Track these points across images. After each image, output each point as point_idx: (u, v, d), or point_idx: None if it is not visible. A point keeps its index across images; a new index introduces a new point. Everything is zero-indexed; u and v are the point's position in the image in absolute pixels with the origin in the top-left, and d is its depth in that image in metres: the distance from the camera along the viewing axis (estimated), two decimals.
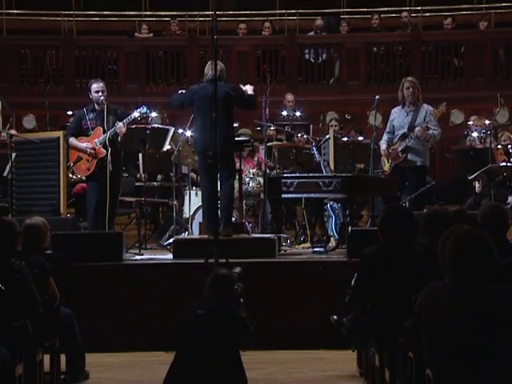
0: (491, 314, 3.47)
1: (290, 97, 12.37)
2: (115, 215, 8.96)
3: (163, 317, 7.06)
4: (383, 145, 9.05)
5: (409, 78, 9.21)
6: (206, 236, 7.95)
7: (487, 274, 3.55)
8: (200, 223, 8.62)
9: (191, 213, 9.25)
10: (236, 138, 8.60)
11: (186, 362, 4.71)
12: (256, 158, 10.37)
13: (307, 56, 14.69)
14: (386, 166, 9.07)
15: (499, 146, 9.78)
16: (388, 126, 9.19)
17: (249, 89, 8.25)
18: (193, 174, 10.08)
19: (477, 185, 9.74)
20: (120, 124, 8.39)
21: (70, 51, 14.66)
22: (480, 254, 3.56)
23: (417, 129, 8.84)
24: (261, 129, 10.09)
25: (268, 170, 9.51)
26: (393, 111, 9.15)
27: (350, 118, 13.26)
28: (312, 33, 14.99)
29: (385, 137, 9.11)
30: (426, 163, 9.06)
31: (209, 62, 8.25)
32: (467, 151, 9.86)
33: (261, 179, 9.51)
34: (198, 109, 8.14)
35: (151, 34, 15.06)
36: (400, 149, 8.93)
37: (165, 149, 9.83)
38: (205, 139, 7.90)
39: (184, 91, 8.44)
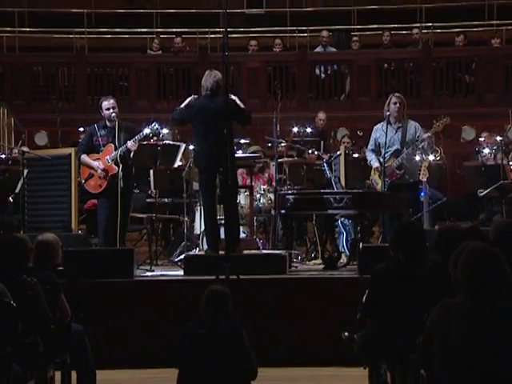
0: (504, 331, 3.45)
1: (322, 115, 12.55)
2: (126, 231, 8.96)
3: (174, 333, 7.03)
4: (375, 163, 8.88)
5: (397, 94, 9.12)
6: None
7: (499, 290, 3.53)
8: None
9: (202, 229, 9.23)
10: (247, 154, 8.57)
11: (190, 381, 4.69)
12: (267, 175, 10.37)
13: (318, 72, 14.73)
14: (379, 185, 8.91)
15: (511, 163, 9.75)
16: (371, 143, 9.02)
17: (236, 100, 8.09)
18: None
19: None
20: (131, 141, 8.40)
21: (82, 68, 14.74)
22: (492, 271, 3.55)
23: (425, 135, 8.81)
24: (272, 145, 10.09)
25: (279, 186, 9.50)
26: (376, 128, 9.00)
27: (362, 134, 13.25)
28: (319, 47, 15.04)
29: (371, 155, 8.96)
30: (416, 179, 9.06)
31: (206, 73, 8.10)
32: (479, 167, 9.84)
33: (271, 195, 9.51)
34: (199, 124, 7.99)
35: (160, 52, 15.13)
36: (395, 165, 8.86)
37: (176, 165, 9.84)
38: (209, 155, 7.84)
39: (183, 107, 8.24)
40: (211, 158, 7.73)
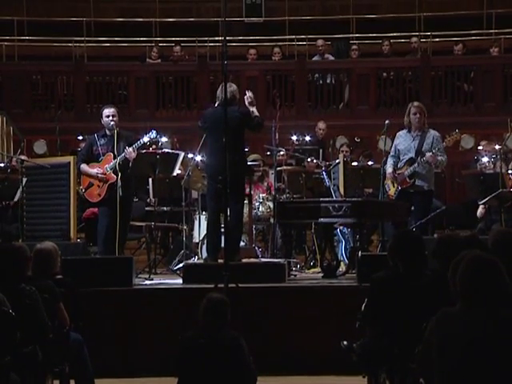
0: (503, 340, 3.45)
1: (322, 125, 12.57)
2: (125, 240, 8.96)
3: (173, 342, 7.02)
4: (389, 168, 9.00)
5: (415, 104, 9.15)
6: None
7: (498, 299, 3.53)
8: None
9: (201, 237, 9.24)
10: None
11: None
12: (266, 183, 10.37)
13: (317, 81, 14.75)
14: (392, 191, 9.00)
15: (510, 171, 9.75)
16: (392, 149, 9.11)
17: (251, 105, 8.25)
18: None
19: (480, 209, 9.72)
20: (129, 149, 8.40)
21: (81, 77, 14.77)
22: (491, 280, 3.55)
23: (428, 154, 8.79)
24: (271, 153, 10.11)
25: (278, 194, 9.50)
26: (398, 134, 9.08)
27: (359, 140, 13.28)
28: (317, 56, 15.06)
29: (390, 160, 9.05)
30: (432, 187, 9.04)
31: (222, 84, 8.24)
32: (477, 176, 9.84)
33: (271, 204, 9.52)
34: (210, 133, 8.17)
35: (159, 60, 15.15)
36: (407, 173, 8.89)
37: (175, 173, 9.85)
38: (216, 163, 7.91)
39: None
40: (219, 166, 7.75)
